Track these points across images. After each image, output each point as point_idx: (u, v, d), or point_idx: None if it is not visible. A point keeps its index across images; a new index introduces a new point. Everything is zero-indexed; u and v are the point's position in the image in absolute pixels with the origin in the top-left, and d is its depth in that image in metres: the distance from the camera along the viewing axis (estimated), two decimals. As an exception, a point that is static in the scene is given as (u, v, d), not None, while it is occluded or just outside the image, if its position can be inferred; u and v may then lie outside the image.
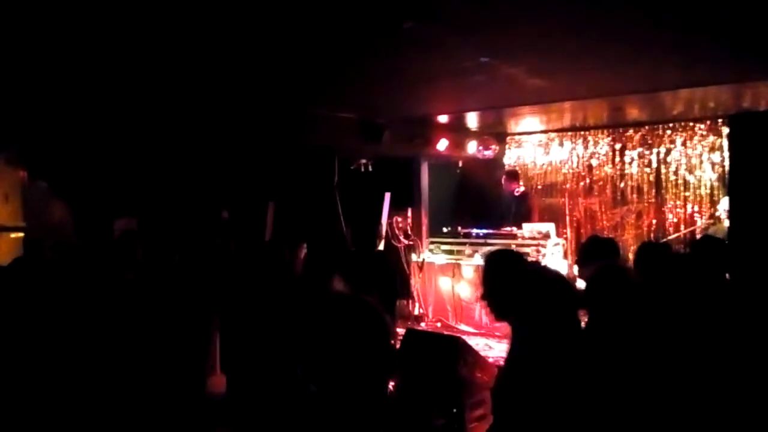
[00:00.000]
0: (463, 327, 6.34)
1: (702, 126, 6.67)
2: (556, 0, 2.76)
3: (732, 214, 3.79)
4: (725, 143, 6.48)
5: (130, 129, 5.19)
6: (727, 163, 6.41)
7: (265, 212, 6.19)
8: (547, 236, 6.34)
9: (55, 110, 4.54)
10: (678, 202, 6.84)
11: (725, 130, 6.47)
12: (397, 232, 7.28)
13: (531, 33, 3.26)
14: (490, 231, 6.76)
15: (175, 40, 3.19)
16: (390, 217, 7.01)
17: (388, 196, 6.76)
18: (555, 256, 6.24)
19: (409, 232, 7.37)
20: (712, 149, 6.64)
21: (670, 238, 6.69)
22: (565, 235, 7.25)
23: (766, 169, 3.66)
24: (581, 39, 3.41)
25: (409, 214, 7.44)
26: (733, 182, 3.73)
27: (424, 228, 7.50)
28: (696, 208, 6.72)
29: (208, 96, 4.76)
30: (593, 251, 3.24)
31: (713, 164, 6.64)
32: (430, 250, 7.06)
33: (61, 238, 5.05)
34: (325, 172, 6.65)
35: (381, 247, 6.69)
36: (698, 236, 6.47)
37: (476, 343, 5.23)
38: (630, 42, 3.50)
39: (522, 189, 7.21)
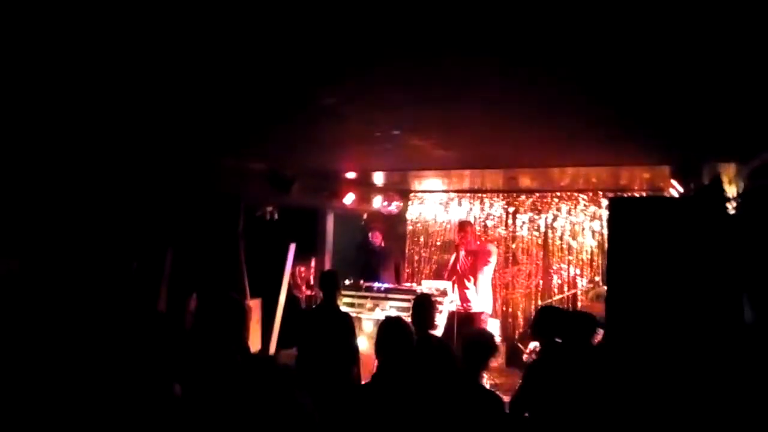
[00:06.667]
0: (360, 380, 6.37)
1: (584, 197, 7.33)
2: (468, 87, 2.99)
3: (609, 284, 4.23)
4: (604, 214, 7.15)
5: (19, 161, 4.86)
6: (605, 232, 7.07)
7: (164, 258, 5.97)
8: (444, 293, 6.60)
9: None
10: (563, 265, 7.41)
11: (604, 202, 7.15)
12: (299, 281, 7.27)
13: (442, 113, 3.50)
14: (391, 286, 6.93)
15: (78, 65, 2.95)
16: (293, 266, 6.99)
17: (293, 246, 6.75)
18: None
19: (312, 283, 7.38)
20: (593, 218, 7.30)
21: (555, 298, 7.19)
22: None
23: (638, 246, 4.09)
24: (487, 121, 3.70)
25: (313, 264, 7.46)
26: (611, 257, 4.15)
27: (327, 279, 7.52)
28: (578, 271, 7.30)
29: (110, 137, 4.59)
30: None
31: (593, 232, 7.28)
32: (332, 302, 7.07)
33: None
34: (229, 219, 6.55)
35: (283, 296, 6.63)
36: (580, 298, 7.03)
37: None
38: (527, 126, 3.85)
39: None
